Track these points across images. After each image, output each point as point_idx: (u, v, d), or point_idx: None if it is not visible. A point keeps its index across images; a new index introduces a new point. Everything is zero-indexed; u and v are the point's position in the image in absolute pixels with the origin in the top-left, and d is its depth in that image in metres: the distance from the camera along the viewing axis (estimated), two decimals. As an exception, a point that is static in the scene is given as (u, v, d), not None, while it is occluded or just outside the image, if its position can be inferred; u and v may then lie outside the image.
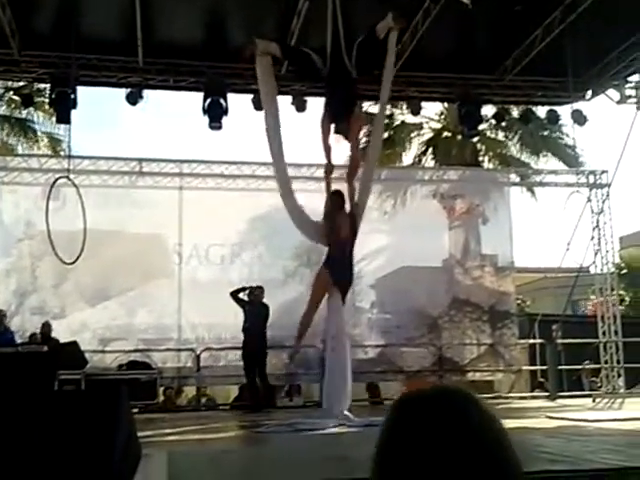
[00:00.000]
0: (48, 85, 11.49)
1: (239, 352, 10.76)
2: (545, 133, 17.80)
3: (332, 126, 7.76)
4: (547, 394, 12.56)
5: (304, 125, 16.24)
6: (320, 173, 8.92)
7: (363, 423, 7.29)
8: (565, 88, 12.08)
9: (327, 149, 7.80)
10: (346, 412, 7.63)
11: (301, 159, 12.92)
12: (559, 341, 13.13)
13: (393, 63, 7.94)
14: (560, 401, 11.61)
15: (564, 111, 12.85)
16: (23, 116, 17.57)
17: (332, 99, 7.71)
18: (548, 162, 18.36)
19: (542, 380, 13.68)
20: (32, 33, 10.66)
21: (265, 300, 10.70)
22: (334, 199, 7.93)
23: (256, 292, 10.67)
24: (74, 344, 10.62)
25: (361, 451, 5.83)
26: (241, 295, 10.76)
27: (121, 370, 11.13)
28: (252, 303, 10.62)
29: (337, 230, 7.81)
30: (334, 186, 7.98)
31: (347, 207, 7.92)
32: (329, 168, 7.86)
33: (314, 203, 8.47)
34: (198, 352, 11.95)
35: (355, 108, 7.76)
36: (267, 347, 10.57)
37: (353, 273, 8.09)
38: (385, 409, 1.09)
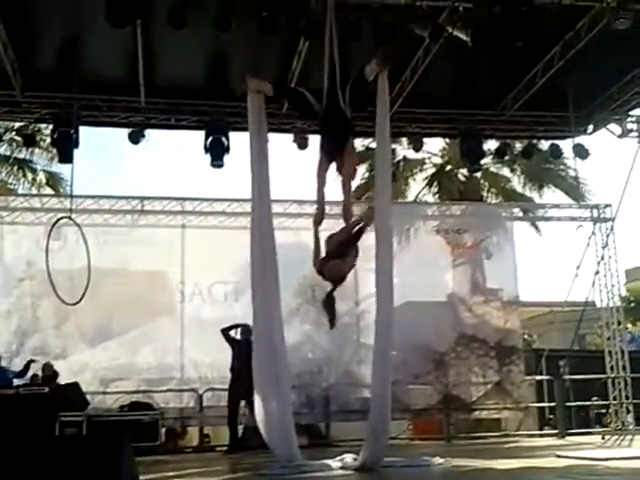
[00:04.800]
0: (50, 124, 11.52)
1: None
2: (549, 166, 17.79)
3: (328, 173, 7.53)
4: (556, 432, 12.35)
5: (306, 162, 16.13)
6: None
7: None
8: (567, 122, 12.09)
9: (321, 198, 7.56)
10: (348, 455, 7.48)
11: (303, 196, 12.80)
12: (567, 377, 12.96)
13: (386, 105, 7.62)
14: (569, 438, 11.42)
15: (566, 144, 12.85)
16: (24, 156, 17.45)
17: (326, 138, 7.60)
18: (552, 195, 18.38)
19: (551, 417, 13.46)
20: (34, 74, 10.71)
21: None
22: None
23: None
24: (75, 385, 10.49)
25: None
26: (232, 333, 10.55)
27: (123, 411, 10.99)
28: (242, 342, 10.20)
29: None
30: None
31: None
32: (319, 218, 7.43)
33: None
34: (201, 392, 11.79)
35: (347, 144, 7.57)
36: None
37: None
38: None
